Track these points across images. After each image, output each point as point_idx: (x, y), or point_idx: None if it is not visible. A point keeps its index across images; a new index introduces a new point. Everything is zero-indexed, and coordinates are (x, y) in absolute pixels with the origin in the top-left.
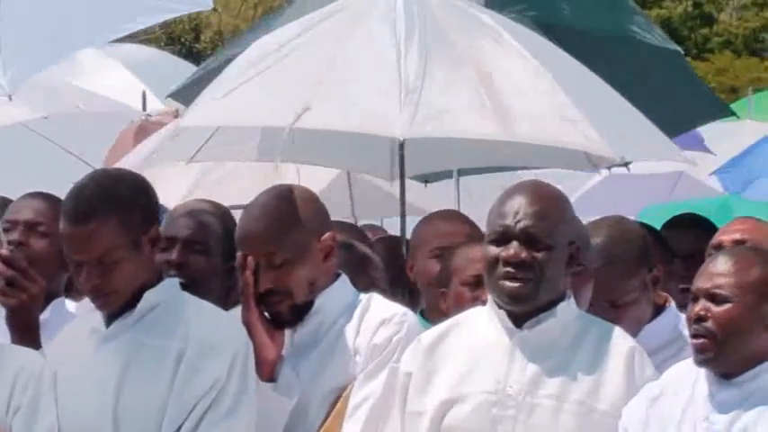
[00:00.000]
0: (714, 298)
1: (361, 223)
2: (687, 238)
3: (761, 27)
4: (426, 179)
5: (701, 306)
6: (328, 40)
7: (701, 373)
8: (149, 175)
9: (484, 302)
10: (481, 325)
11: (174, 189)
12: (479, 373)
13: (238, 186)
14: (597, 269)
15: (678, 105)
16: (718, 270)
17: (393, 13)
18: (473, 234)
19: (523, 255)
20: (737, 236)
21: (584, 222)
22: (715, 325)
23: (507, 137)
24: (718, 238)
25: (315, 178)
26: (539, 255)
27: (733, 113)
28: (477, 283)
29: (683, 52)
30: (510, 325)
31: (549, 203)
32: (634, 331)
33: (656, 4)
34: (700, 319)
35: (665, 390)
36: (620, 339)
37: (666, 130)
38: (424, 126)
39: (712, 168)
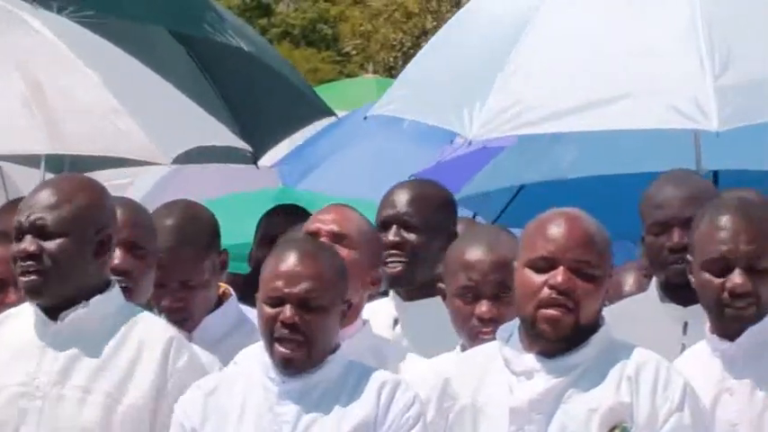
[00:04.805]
0: (305, 303)
1: None
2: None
3: (318, 18)
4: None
5: (291, 312)
6: None
7: (260, 362)
8: None
9: None
10: (25, 318)
11: None
12: (14, 366)
13: None
14: (170, 249)
15: (270, 109)
16: (300, 273)
17: None
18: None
19: (32, 248)
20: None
21: None
22: (308, 331)
23: (60, 150)
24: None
25: None
26: (49, 245)
27: (333, 113)
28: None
29: (246, 50)
30: (44, 317)
31: (65, 193)
32: (202, 313)
33: None
34: (292, 326)
35: (220, 383)
36: (159, 330)
37: (268, 135)
38: None
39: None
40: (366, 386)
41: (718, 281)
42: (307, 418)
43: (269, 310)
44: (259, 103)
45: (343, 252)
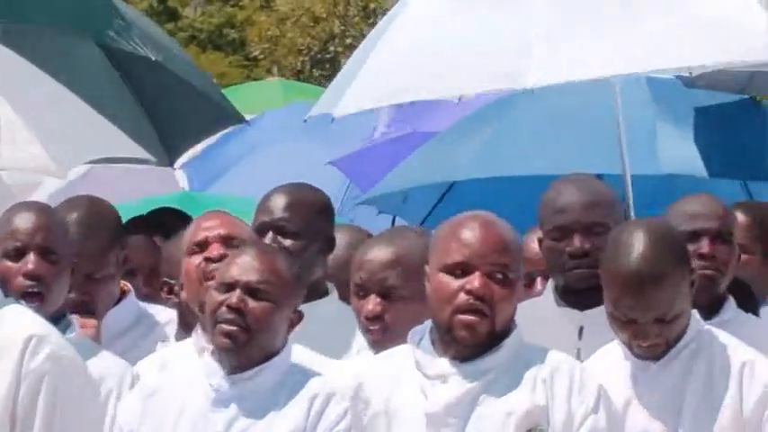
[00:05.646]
0: (254, 293)
1: None
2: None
3: (225, 22)
4: None
5: (238, 297)
6: None
7: (201, 368)
8: None
9: None
10: None
11: None
12: None
13: None
14: (76, 243)
15: (182, 116)
16: (254, 265)
17: None
18: None
19: None
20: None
21: None
22: (252, 319)
23: None
24: (200, 235)
25: None
26: None
27: (244, 120)
28: None
29: (153, 59)
30: None
31: None
32: (107, 306)
33: None
34: (237, 310)
35: (162, 386)
36: (19, 331)
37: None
38: None
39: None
40: (299, 396)
41: (624, 320)
42: (237, 426)
43: (217, 295)
44: (171, 110)
45: None
